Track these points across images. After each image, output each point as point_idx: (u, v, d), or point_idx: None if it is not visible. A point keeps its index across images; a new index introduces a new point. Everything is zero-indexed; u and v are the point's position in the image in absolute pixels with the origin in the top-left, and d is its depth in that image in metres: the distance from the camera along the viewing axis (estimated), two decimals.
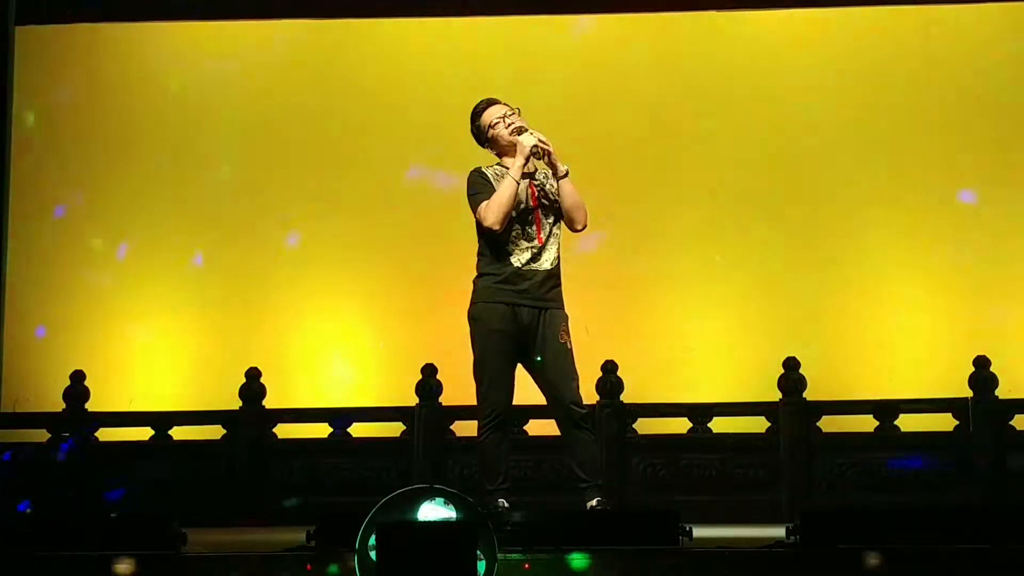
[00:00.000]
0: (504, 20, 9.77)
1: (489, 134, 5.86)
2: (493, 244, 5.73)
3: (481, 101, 5.93)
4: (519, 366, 5.78)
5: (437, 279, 9.37)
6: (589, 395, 8.36)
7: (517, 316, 5.65)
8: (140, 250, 9.74)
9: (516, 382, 5.76)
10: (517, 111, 5.90)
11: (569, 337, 5.71)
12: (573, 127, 8.69)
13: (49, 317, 9.68)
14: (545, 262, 5.72)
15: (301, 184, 9.71)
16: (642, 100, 9.65)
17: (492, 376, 5.64)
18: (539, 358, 5.65)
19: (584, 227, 5.86)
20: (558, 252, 5.81)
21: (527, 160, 5.70)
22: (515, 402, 5.87)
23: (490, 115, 5.87)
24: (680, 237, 9.49)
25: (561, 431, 5.71)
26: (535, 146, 5.67)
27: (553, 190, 5.81)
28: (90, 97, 9.91)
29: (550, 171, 5.85)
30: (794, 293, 9.31)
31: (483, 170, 5.84)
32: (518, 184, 5.65)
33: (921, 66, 9.50)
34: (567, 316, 5.79)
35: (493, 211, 5.65)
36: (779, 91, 9.55)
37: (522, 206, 5.71)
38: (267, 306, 9.60)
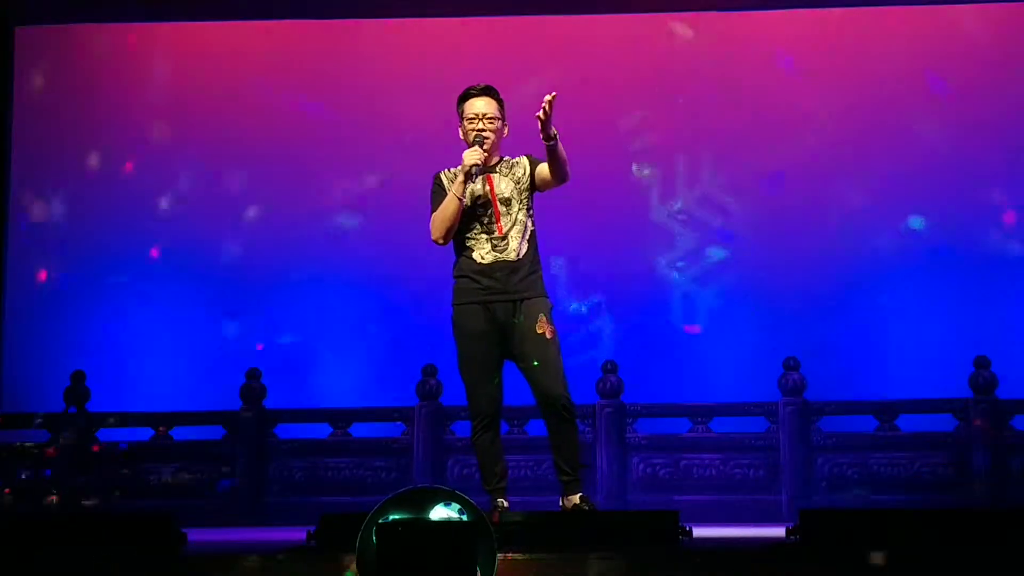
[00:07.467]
0: (502, 20, 9.78)
1: (461, 125, 5.62)
2: (458, 243, 5.59)
3: (471, 87, 5.61)
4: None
5: (438, 278, 9.36)
6: (589, 395, 8.38)
7: (491, 313, 5.49)
8: (140, 250, 9.74)
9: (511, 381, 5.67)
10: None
11: (550, 326, 5.47)
12: (573, 126, 8.68)
13: (49, 317, 9.67)
14: (512, 252, 5.50)
15: (303, 184, 9.72)
16: (641, 99, 9.65)
17: (473, 378, 5.53)
18: (518, 352, 5.47)
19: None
20: (528, 240, 5.53)
21: (468, 177, 5.46)
22: (518, 403, 5.82)
23: (467, 109, 5.58)
24: (679, 237, 9.50)
25: (546, 422, 5.55)
26: (475, 165, 5.44)
27: (515, 179, 5.55)
28: (90, 97, 9.91)
29: (511, 161, 5.60)
30: (795, 293, 9.31)
31: (443, 174, 5.63)
32: (461, 200, 5.47)
33: (929, 67, 9.52)
34: (550, 304, 5.56)
35: (436, 227, 5.53)
36: (794, 90, 9.55)
37: (479, 199, 5.53)
38: (271, 306, 9.61)
